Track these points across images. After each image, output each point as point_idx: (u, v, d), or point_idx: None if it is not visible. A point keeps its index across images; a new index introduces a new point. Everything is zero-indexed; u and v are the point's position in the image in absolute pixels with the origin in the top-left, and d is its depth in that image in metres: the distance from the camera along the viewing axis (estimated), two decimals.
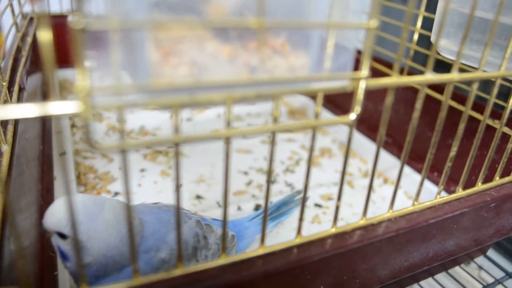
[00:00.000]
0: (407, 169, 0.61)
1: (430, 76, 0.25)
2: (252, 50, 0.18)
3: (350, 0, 0.19)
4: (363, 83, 0.21)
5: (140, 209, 0.33)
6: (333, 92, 0.21)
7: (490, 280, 0.52)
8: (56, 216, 0.27)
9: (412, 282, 0.47)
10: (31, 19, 0.76)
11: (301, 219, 0.26)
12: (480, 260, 0.58)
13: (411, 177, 0.60)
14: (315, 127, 0.21)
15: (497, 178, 0.36)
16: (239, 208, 0.53)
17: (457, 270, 0.55)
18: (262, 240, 0.25)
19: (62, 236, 0.28)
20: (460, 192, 0.33)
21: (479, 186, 0.35)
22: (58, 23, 0.80)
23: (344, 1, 0.19)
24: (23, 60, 0.54)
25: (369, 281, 0.36)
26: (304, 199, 0.25)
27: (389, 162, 0.63)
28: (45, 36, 0.14)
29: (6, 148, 0.35)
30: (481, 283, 0.51)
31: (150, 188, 0.55)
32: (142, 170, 0.59)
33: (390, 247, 0.34)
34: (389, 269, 0.37)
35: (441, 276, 0.53)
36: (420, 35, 0.54)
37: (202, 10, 0.17)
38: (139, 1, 0.16)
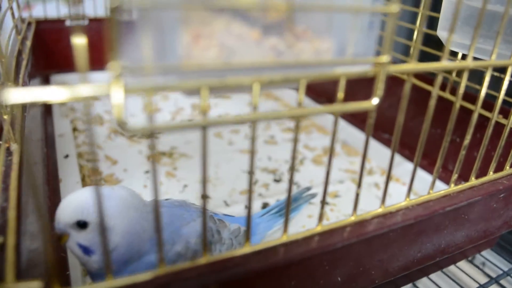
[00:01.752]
0: (411, 166, 0.61)
1: (446, 63, 0.25)
2: (279, 34, 0.18)
3: None
4: (385, 68, 0.21)
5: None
6: (355, 77, 0.21)
7: (485, 279, 0.52)
8: (72, 207, 0.27)
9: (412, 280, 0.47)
10: (29, 23, 0.76)
11: (322, 207, 0.26)
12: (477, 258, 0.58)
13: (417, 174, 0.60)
14: (338, 112, 0.21)
15: (507, 167, 0.36)
16: (246, 207, 0.52)
17: (451, 269, 0.54)
18: (285, 228, 0.25)
19: (82, 225, 0.27)
20: (473, 181, 0.33)
21: (491, 175, 0.35)
22: (56, 28, 0.80)
23: None
24: (24, 63, 0.54)
25: (383, 273, 0.36)
26: (326, 184, 0.25)
27: (385, 154, 0.64)
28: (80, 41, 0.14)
29: (15, 147, 0.35)
30: (477, 282, 0.51)
31: None
32: (147, 172, 0.58)
33: (406, 237, 0.34)
34: (403, 261, 0.37)
35: (437, 277, 0.52)
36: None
37: None
38: None
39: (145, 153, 0.63)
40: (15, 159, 0.33)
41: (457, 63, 0.26)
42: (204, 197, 0.21)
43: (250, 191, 0.22)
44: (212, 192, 0.55)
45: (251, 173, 0.21)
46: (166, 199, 0.36)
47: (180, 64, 0.17)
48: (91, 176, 0.54)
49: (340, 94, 0.22)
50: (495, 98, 0.34)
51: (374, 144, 0.67)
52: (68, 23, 0.82)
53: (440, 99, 0.55)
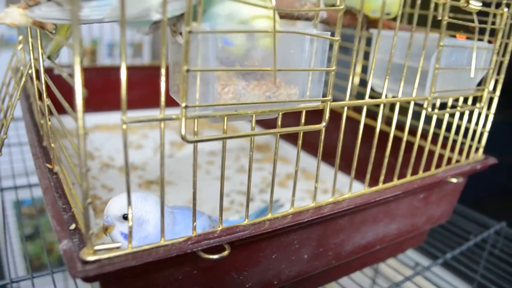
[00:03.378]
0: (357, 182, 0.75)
1: (369, 100, 0.40)
2: (267, 85, 0.32)
3: (315, 58, 0.34)
4: (326, 102, 0.35)
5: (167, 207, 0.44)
6: (312, 109, 0.35)
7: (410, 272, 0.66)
8: (119, 204, 0.38)
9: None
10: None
11: (293, 194, 0.39)
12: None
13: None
14: (301, 130, 0.35)
15: (421, 172, 0.51)
16: (227, 219, 0.64)
17: (381, 266, 0.68)
18: (270, 209, 0.37)
19: (125, 218, 0.38)
20: (396, 181, 0.48)
21: (408, 178, 0.49)
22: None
23: (313, 58, 0.33)
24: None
25: (337, 255, 0.49)
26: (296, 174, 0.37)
27: (343, 181, 0.78)
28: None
29: (58, 168, 0.45)
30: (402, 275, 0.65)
31: None
32: None
33: (352, 225, 0.47)
34: (351, 245, 0.50)
35: (372, 270, 0.66)
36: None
37: (242, 62, 0.31)
38: (211, 61, 0.29)
39: (137, 182, 0.74)
40: (61, 176, 0.44)
41: (376, 100, 0.41)
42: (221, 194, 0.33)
43: (249, 174, 0.35)
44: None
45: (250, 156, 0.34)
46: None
47: (215, 102, 0.30)
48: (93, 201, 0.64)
49: (302, 121, 0.35)
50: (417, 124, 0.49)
51: (328, 169, 0.81)
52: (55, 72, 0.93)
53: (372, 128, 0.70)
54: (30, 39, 0.46)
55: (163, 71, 0.27)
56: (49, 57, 0.38)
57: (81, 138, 0.26)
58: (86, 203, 0.27)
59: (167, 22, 0.25)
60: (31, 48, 0.46)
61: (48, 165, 0.44)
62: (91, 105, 0.35)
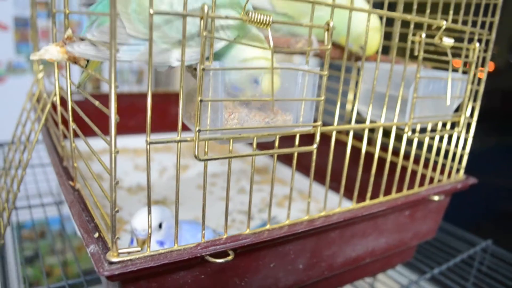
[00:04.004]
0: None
1: (354, 125, 0.46)
2: (266, 113, 0.38)
3: (307, 89, 0.40)
4: (317, 127, 0.41)
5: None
6: (304, 133, 0.41)
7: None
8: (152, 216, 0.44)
9: None
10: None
11: (289, 208, 0.44)
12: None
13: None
14: (296, 151, 0.41)
15: (405, 190, 0.56)
16: None
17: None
18: (269, 221, 0.42)
19: (160, 226, 0.44)
20: (381, 198, 0.53)
21: (393, 195, 0.55)
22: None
23: (305, 88, 0.39)
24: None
25: (329, 266, 0.54)
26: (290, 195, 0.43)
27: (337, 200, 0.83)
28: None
29: (79, 185, 0.50)
30: None
31: None
32: None
33: (342, 238, 0.52)
34: (343, 257, 0.55)
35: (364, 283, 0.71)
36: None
37: (245, 94, 0.37)
38: (220, 92, 0.35)
39: (144, 201, 0.79)
40: (82, 193, 0.49)
41: (361, 125, 0.47)
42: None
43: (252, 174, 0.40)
44: None
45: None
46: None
47: (222, 127, 0.35)
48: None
49: (296, 143, 0.41)
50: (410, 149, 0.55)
51: (320, 190, 0.86)
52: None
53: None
54: (56, 71, 0.52)
55: (180, 105, 0.32)
56: (78, 86, 0.43)
57: (112, 157, 0.31)
58: (114, 211, 0.33)
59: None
60: (57, 77, 0.52)
61: (71, 182, 0.49)
62: (99, 128, 0.39)
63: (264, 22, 0.34)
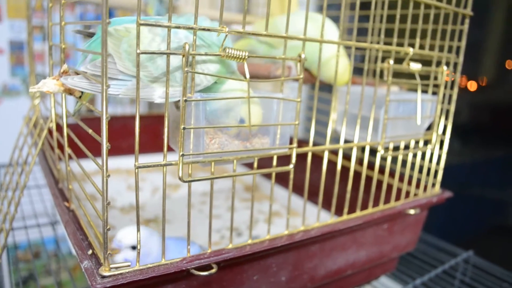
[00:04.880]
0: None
1: (330, 145, 0.49)
2: (245, 139, 0.42)
3: (283, 114, 0.43)
4: (292, 149, 0.45)
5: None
6: (282, 155, 0.45)
7: None
8: (132, 235, 0.47)
9: None
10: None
11: (269, 223, 0.47)
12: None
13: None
14: (274, 171, 0.44)
15: (381, 204, 0.60)
16: None
17: None
18: (250, 236, 0.46)
19: (133, 248, 0.47)
20: (358, 212, 0.57)
21: (370, 209, 0.58)
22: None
23: (280, 114, 0.43)
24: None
25: (311, 279, 0.57)
26: (270, 210, 0.46)
27: (326, 217, 0.86)
28: None
29: (73, 206, 0.54)
30: None
31: None
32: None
33: (323, 251, 0.56)
34: (324, 270, 0.58)
35: None
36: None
37: (225, 121, 0.41)
38: (201, 120, 0.39)
39: (135, 220, 0.82)
40: (77, 213, 0.52)
41: (335, 145, 0.51)
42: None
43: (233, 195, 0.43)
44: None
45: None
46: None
47: (204, 151, 0.39)
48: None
49: (274, 164, 0.45)
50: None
51: (309, 207, 0.90)
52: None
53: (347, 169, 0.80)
54: (52, 100, 0.55)
55: (166, 133, 0.36)
56: (73, 115, 0.47)
57: (104, 180, 0.35)
58: (106, 229, 0.36)
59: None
60: (53, 105, 0.56)
61: (66, 203, 0.52)
62: (92, 151, 0.42)
63: (240, 57, 0.38)
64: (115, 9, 1.12)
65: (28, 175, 0.58)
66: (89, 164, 0.46)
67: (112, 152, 1.06)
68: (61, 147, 0.54)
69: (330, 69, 0.64)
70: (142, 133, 1.03)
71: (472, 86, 1.15)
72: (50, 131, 0.60)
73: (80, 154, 0.48)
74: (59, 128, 0.54)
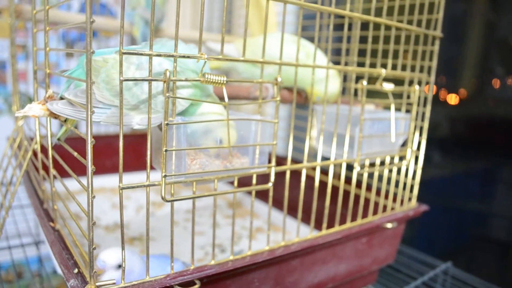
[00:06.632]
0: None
1: (307, 164, 0.52)
2: (225, 158, 0.44)
3: (262, 134, 0.46)
4: (271, 167, 0.47)
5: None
6: (260, 173, 0.47)
7: None
8: (116, 256, 0.48)
9: None
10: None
11: (250, 239, 0.49)
12: None
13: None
14: (254, 189, 0.46)
15: (359, 219, 0.62)
16: None
17: None
18: (231, 254, 0.47)
19: (119, 267, 0.48)
20: (337, 227, 0.59)
21: (348, 224, 0.60)
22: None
23: (259, 134, 0.46)
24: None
25: None
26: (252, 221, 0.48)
27: (305, 231, 0.88)
28: None
29: (59, 226, 0.55)
30: None
31: None
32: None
33: (303, 265, 0.57)
34: (305, 283, 0.60)
35: None
36: None
37: (205, 143, 0.43)
38: (182, 143, 0.40)
39: (119, 238, 0.83)
40: (62, 232, 0.53)
41: (313, 163, 0.53)
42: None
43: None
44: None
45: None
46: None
47: (186, 172, 0.41)
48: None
49: (254, 182, 0.47)
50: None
51: (290, 222, 0.92)
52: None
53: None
54: (37, 122, 0.57)
55: (148, 155, 0.38)
56: (58, 139, 0.49)
57: (90, 200, 0.36)
58: (92, 248, 0.37)
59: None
60: (37, 128, 0.57)
61: (51, 223, 0.53)
62: (77, 170, 0.43)
63: (219, 82, 0.40)
64: (98, 30, 1.14)
65: (13, 196, 0.59)
66: (72, 183, 0.47)
67: (96, 171, 1.06)
68: (46, 168, 0.56)
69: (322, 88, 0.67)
70: (126, 152, 1.05)
71: (452, 99, 1.19)
72: (34, 153, 0.61)
73: (63, 174, 0.49)
74: (43, 149, 0.56)
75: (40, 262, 0.85)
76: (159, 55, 0.37)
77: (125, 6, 0.83)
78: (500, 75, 1.12)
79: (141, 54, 0.37)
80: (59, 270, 0.44)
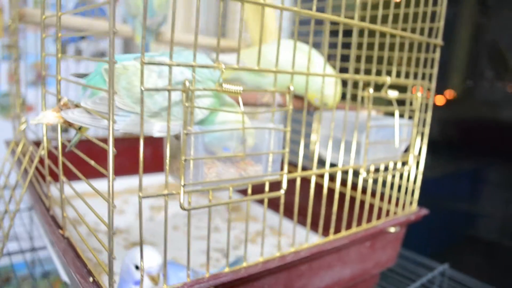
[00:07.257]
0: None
1: (316, 171, 0.52)
2: (240, 165, 0.44)
3: (274, 143, 0.46)
4: (283, 175, 0.47)
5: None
6: (274, 181, 0.47)
7: None
8: (159, 257, 0.47)
9: None
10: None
11: (262, 247, 0.50)
12: None
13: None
14: (266, 196, 0.47)
15: (364, 224, 0.63)
16: None
17: None
18: (245, 259, 0.48)
19: (137, 267, 0.47)
20: (344, 232, 0.60)
21: (353, 229, 0.61)
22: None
23: (271, 142, 0.46)
24: None
25: None
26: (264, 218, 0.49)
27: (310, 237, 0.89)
28: None
29: (68, 233, 0.54)
30: None
31: None
32: None
33: (311, 270, 0.58)
34: None
35: None
36: None
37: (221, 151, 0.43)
38: (200, 152, 0.41)
39: (123, 244, 0.83)
40: (71, 240, 0.53)
41: (321, 170, 0.54)
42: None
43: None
44: None
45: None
46: None
47: (203, 180, 0.41)
48: None
49: (266, 189, 0.47)
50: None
51: (291, 226, 0.92)
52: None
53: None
54: (45, 127, 0.56)
55: (166, 164, 0.38)
56: (70, 146, 0.48)
57: (111, 211, 0.37)
58: (111, 257, 0.38)
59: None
60: (45, 133, 0.57)
61: (60, 230, 0.53)
62: (83, 173, 0.43)
63: (235, 91, 0.40)
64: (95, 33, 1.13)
65: (19, 203, 0.58)
66: (78, 186, 0.47)
67: (99, 174, 1.06)
68: (53, 173, 0.55)
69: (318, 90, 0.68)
70: (126, 155, 1.04)
71: (439, 100, 1.21)
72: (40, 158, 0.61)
73: (71, 176, 0.49)
74: (50, 154, 0.55)
75: (27, 267, 0.84)
76: (179, 65, 0.38)
77: (127, 14, 0.83)
78: (489, 77, 1.15)
79: (162, 64, 0.37)
80: (65, 278, 0.44)
